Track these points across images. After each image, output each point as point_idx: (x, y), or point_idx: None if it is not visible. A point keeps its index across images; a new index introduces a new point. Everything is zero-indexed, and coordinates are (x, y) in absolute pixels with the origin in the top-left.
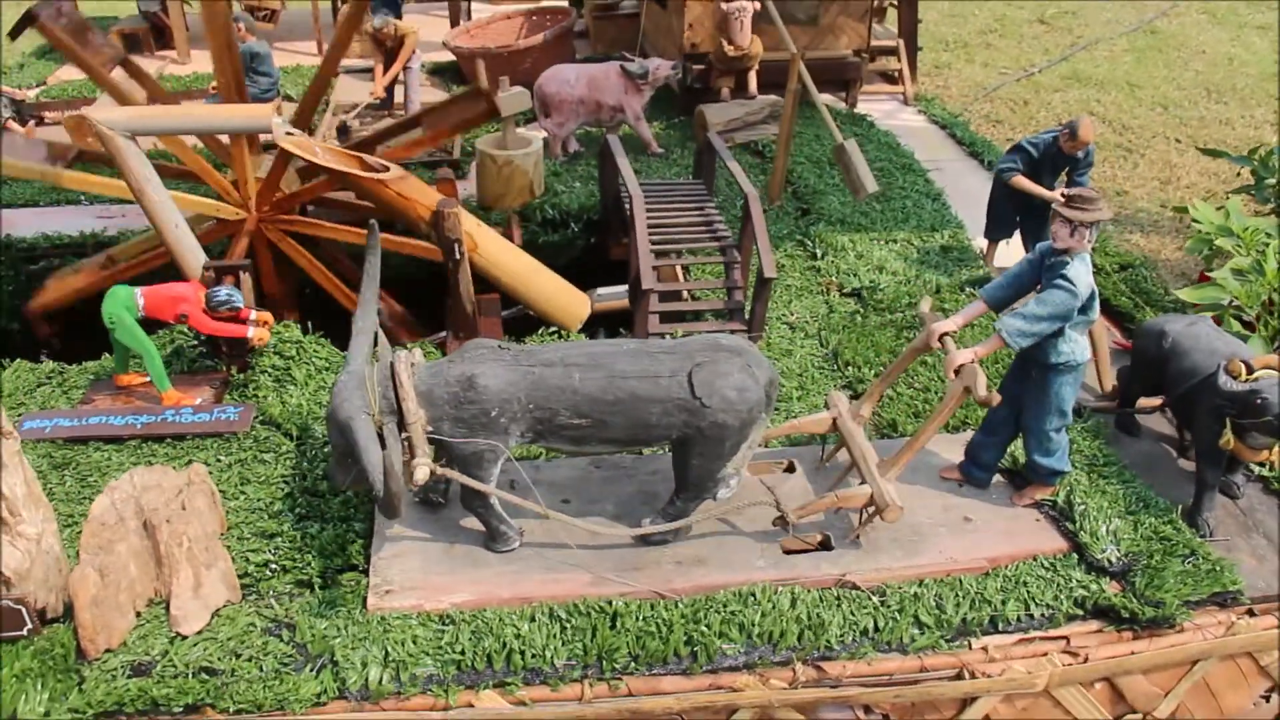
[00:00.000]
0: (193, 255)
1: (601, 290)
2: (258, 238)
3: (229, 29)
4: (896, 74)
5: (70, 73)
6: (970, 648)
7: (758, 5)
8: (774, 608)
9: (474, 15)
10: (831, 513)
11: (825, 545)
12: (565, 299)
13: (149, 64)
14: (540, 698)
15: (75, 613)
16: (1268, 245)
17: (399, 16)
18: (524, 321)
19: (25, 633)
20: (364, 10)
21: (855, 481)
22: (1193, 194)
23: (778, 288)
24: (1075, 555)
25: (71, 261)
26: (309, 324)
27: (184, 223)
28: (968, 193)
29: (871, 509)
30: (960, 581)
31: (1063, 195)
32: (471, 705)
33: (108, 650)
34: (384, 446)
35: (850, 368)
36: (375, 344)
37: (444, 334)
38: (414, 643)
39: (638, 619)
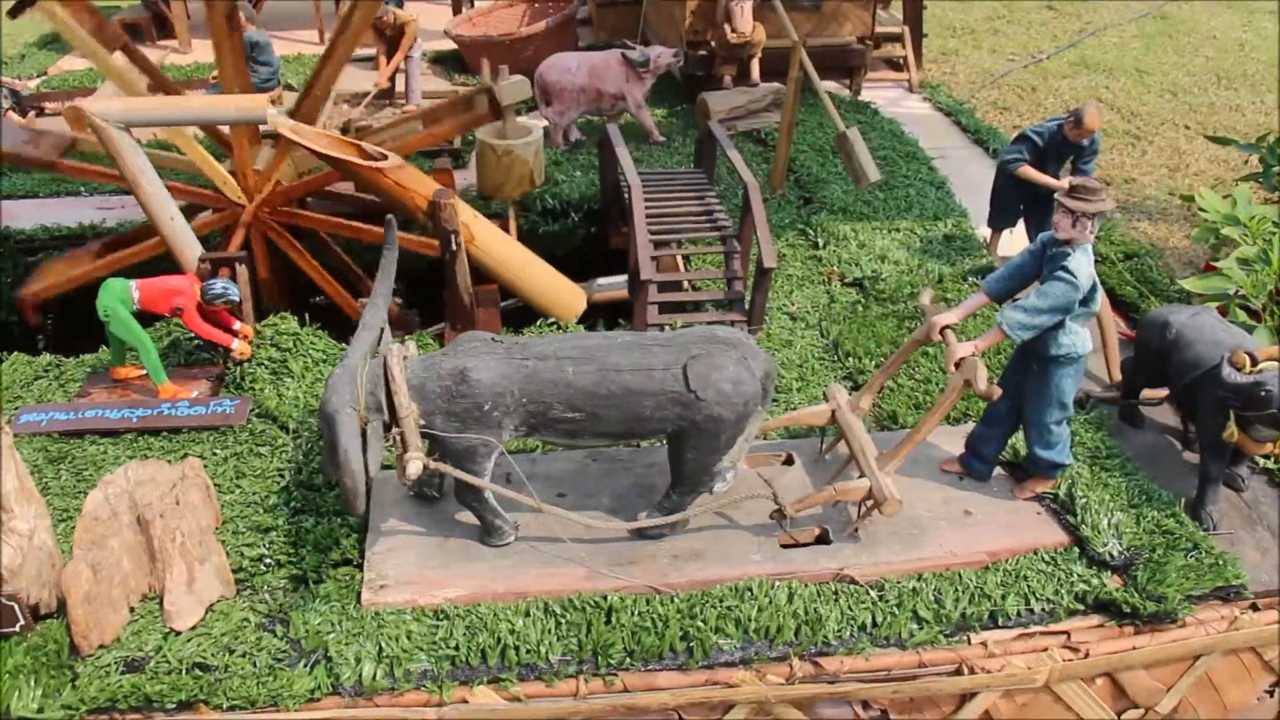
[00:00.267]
0: (189, 248)
1: (601, 280)
2: (255, 230)
3: (234, 18)
4: (901, 61)
5: (71, 63)
6: (970, 643)
7: None
8: (771, 602)
9: (476, 3)
10: (829, 506)
11: (823, 539)
12: (562, 292)
13: (150, 54)
14: (535, 693)
15: (68, 609)
16: (1275, 234)
17: (400, 5)
18: (522, 313)
19: (18, 629)
20: (376, 8)
21: (854, 474)
22: (1201, 181)
23: (779, 277)
24: (1077, 549)
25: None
26: (305, 316)
27: (180, 215)
28: (971, 180)
29: (870, 503)
30: (960, 575)
31: (1069, 184)
32: (466, 701)
33: (101, 646)
34: (365, 442)
35: (851, 359)
36: (380, 340)
37: (442, 325)
38: (408, 638)
39: (633, 614)
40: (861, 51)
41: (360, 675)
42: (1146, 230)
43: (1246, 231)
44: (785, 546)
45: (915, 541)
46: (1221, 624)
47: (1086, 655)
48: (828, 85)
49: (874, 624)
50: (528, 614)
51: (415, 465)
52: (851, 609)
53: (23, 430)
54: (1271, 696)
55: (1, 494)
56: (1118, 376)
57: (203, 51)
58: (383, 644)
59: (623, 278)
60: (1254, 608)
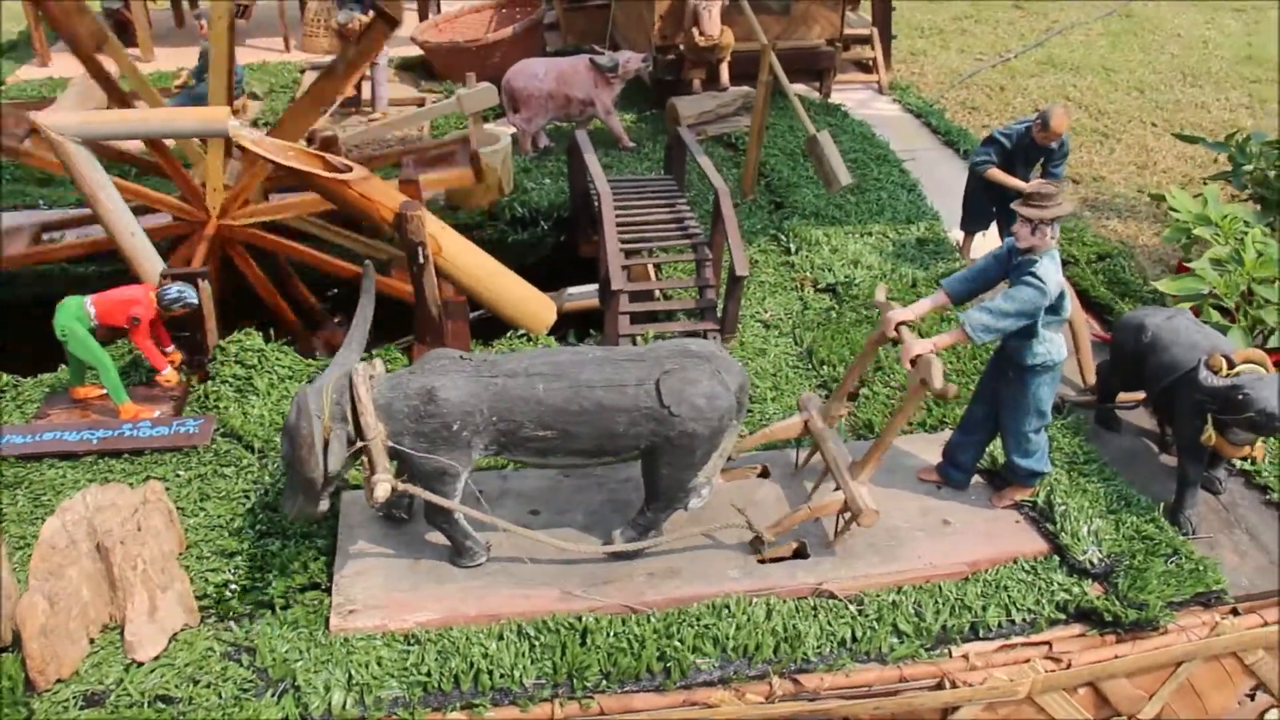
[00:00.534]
0: (149, 263)
1: (572, 290)
2: (216, 244)
3: (232, 29)
4: (871, 63)
5: (30, 72)
6: (951, 656)
7: None
8: (749, 620)
9: (443, 9)
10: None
11: (800, 553)
12: (531, 303)
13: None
14: (509, 719)
15: (23, 642)
16: (1246, 234)
17: (365, 12)
18: (492, 325)
19: None
20: (386, 37)
21: (832, 485)
22: (1169, 179)
23: (751, 284)
24: (1056, 557)
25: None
26: (270, 332)
27: (140, 230)
28: (943, 183)
29: (848, 515)
30: (940, 587)
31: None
32: None
33: (59, 681)
34: (326, 445)
35: (825, 366)
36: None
37: (410, 339)
38: (378, 664)
39: (609, 635)
40: (831, 54)
41: (330, 704)
42: (1116, 229)
43: (1218, 231)
44: (762, 562)
45: (894, 553)
46: (1203, 630)
47: (1069, 665)
48: (797, 88)
49: (854, 639)
50: (501, 637)
51: (383, 487)
52: (831, 624)
53: None
54: (1253, 700)
55: None
56: (1092, 380)
57: (165, 60)
58: (352, 671)
59: (593, 287)
60: (1234, 612)
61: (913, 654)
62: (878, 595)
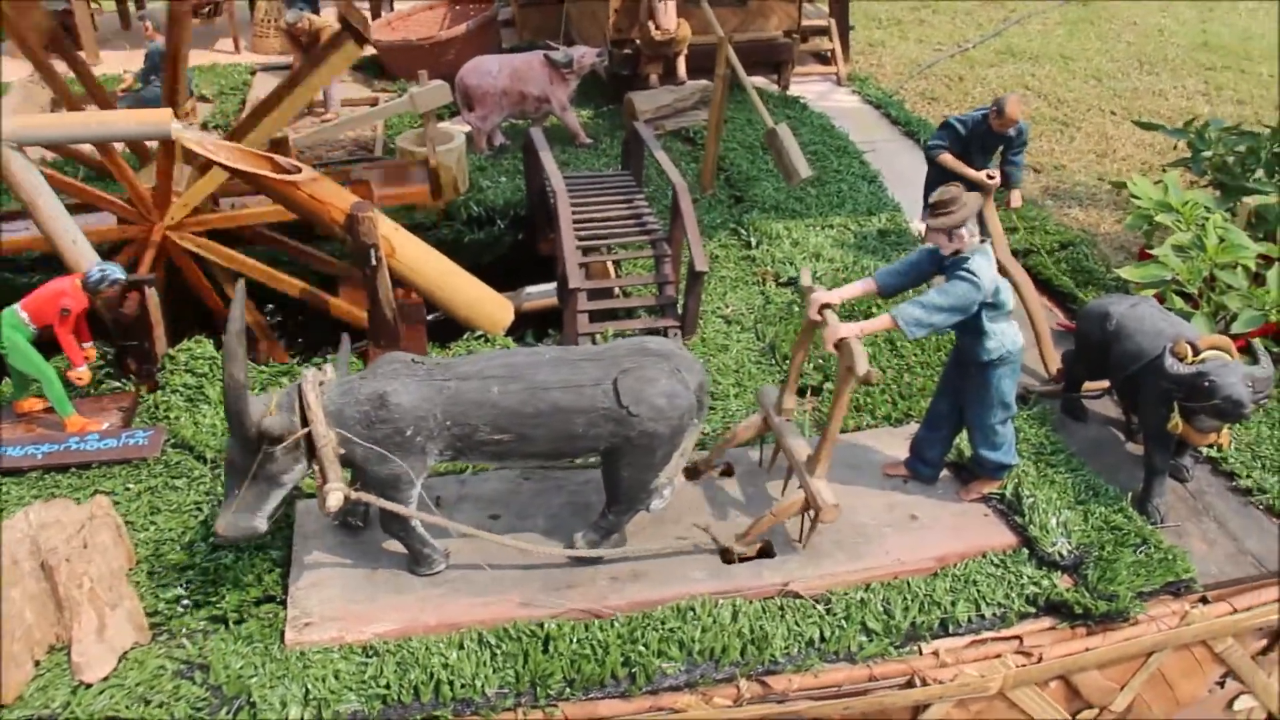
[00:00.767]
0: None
1: (530, 289)
2: (163, 251)
3: (188, 31)
4: (829, 54)
5: None
6: (920, 653)
7: None
8: (715, 622)
9: (396, 7)
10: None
11: (766, 553)
12: (488, 304)
13: (56, 65)
14: None
15: None
16: (1207, 219)
17: (316, 11)
18: (449, 327)
19: None
20: (355, 55)
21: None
22: (1129, 166)
23: (712, 280)
24: (1026, 550)
25: None
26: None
27: (82, 237)
28: (903, 173)
29: (812, 513)
30: (908, 584)
31: (987, 175)
32: None
33: (2, 707)
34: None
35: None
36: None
37: (365, 343)
38: (336, 678)
39: (571, 641)
40: (788, 45)
41: None
42: (1078, 216)
43: (1180, 218)
44: (728, 562)
45: (861, 550)
46: (1173, 619)
47: (1039, 659)
48: (755, 81)
49: (822, 639)
50: (461, 646)
51: (335, 496)
52: (798, 624)
53: None
54: (1222, 688)
55: None
56: (1054, 369)
57: (111, 63)
58: (309, 685)
59: (552, 285)
60: (1203, 600)
61: (882, 652)
62: (845, 593)
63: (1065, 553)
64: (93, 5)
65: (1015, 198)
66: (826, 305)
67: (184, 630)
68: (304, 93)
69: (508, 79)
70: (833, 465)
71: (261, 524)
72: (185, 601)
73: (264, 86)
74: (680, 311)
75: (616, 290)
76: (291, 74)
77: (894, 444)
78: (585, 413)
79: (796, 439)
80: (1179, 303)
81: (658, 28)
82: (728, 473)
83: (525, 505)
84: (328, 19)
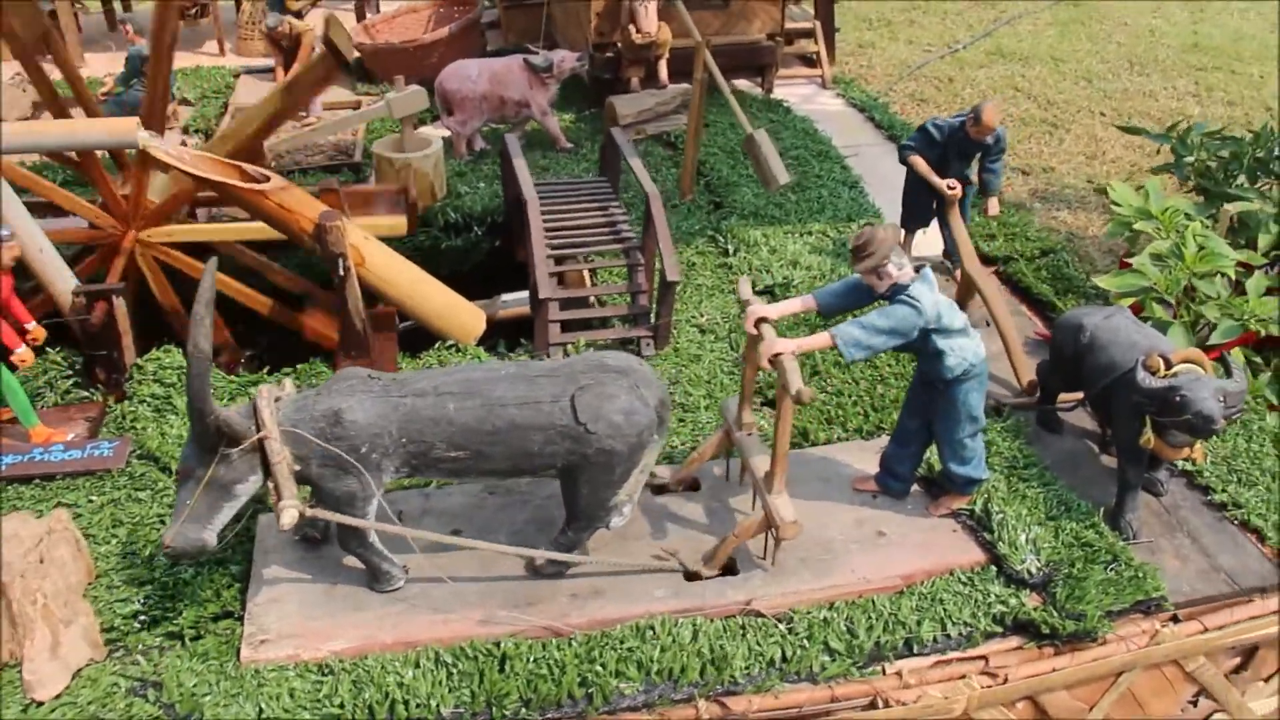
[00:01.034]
0: (61, 280)
1: (506, 296)
2: (143, 257)
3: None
4: (815, 56)
5: None
6: (884, 673)
7: None
8: (674, 641)
9: (382, 9)
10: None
11: (730, 570)
12: (461, 313)
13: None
14: None
15: None
16: (1186, 227)
17: (299, 16)
18: (420, 336)
19: None
20: (335, 77)
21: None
22: (1118, 168)
23: (688, 288)
24: (994, 567)
25: None
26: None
27: (50, 246)
28: (885, 179)
29: (773, 530)
30: (873, 602)
31: (948, 186)
32: None
33: None
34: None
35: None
36: None
37: (335, 353)
38: (290, 696)
39: (528, 660)
40: (771, 49)
41: None
42: (1066, 220)
43: (1159, 225)
44: (691, 580)
45: (827, 568)
46: (1143, 638)
47: (1005, 680)
48: (740, 84)
49: (784, 658)
50: (418, 665)
51: (290, 514)
52: (759, 644)
53: None
54: (1195, 706)
55: None
56: (1027, 380)
57: (95, 65)
58: (263, 705)
59: (527, 293)
60: (1174, 619)
61: (844, 673)
62: (809, 612)
63: (1034, 570)
64: (76, 6)
65: (993, 205)
66: (763, 320)
67: (139, 647)
68: (283, 110)
69: (487, 83)
70: (803, 479)
71: (211, 538)
72: (142, 617)
73: (247, 90)
74: (653, 321)
75: (592, 299)
76: (272, 91)
77: (865, 458)
78: (542, 430)
79: (758, 455)
80: (1159, 311)
81: (638, 31)
82: (694, 487)
83: (488, 520)
84: (309, 24)
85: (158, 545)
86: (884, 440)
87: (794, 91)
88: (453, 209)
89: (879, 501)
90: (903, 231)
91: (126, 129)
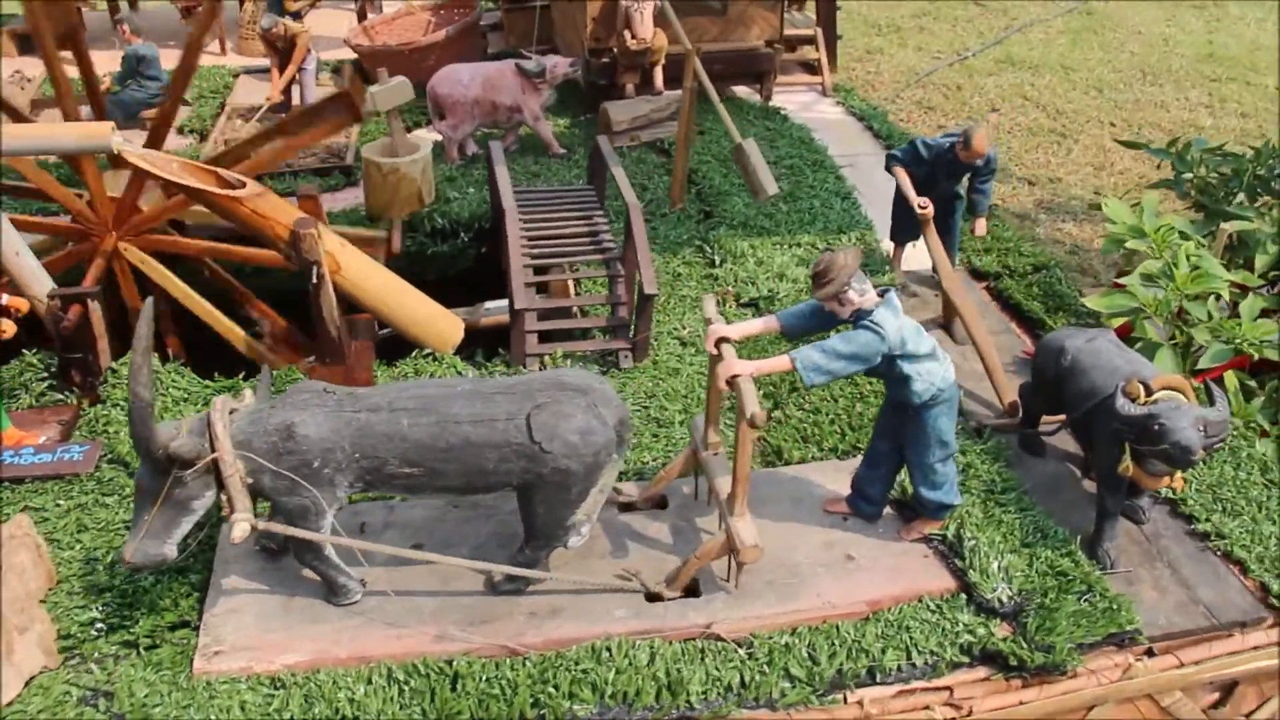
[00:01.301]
0: (37, 283)
1: (489, 304)
2: (120, 261)
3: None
4: (816, 63)
5: None
6: (845, 702)
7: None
8: (630, 664)
9: (384, 9)
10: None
11: (693, 591)
12: (438, 322)
13: (42, 65)
14: None
15: None
16: (1180, 246)
17: (297, 17)
18: (398, 343)
19: None
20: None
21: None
22: (1126, 180)
23: (672, 299)
24: (964, 595)
25: None
26: (168, 353)
27: (26, 250)
28: (880, 190)
29: (734, 553)
30: (837, 628)
31: (919, 205)
32: None
33: None
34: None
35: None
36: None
37: (312, 359)
38: (241, 709)
39: (480, 680)
40: (770, 55)
41: None
42: (1071, 232)
43: (1152, 243)
44: (652, 600)
45: (792, 591)
46: (1115, 672)
47: (970, 712)
48: (739, 91)
49: (742, 684)
50: (370, 681)
51: (241, 528)
52: (718, 669)
53: None
54: None
55: None
56: (1009, 401)
57: (100, 64)
58: (213, 717)
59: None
60: (1149, 653)
61: (803, 700)
62: (770, 637)
63: (1005, 599)
64: (83, 5)
65: (980, 226)
66: (724, 340)
67: (95, 655)
68: (283, 152)
69: (480, 88)
70: (774, 499)
71: (171, 551)
72: (99, 625)
73: (245, 90)
74: (631, 333)
75: (575, 310)
76: (280, 124)
77: (840, 478)
78: (497, 448)
79: (723, 476)
80: (1151, 333)
81: (634, 37)
82: (660, 505)
83: (450, 534)
84: (304, 25)
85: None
86: (858, 460)
87: (793, 99)
88: (440, 215)
89: (850, 524)
90: (891, 243)
91: (100, 133)
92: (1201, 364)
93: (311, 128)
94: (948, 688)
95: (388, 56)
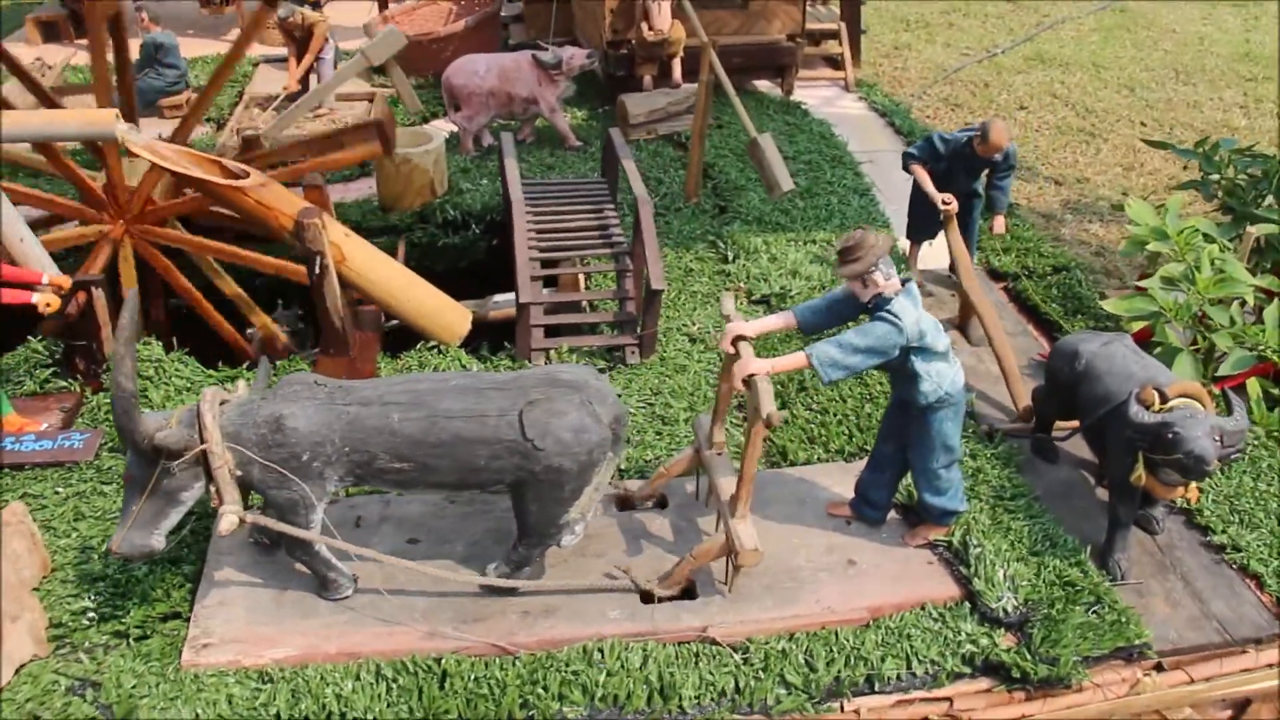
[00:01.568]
0: (42, 269)
1: (498, 297)
2: (125, 249)
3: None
4: (840, 58)
5: None
6: (841, 710)
7: None
8: (622, 666)
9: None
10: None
11: (689, 593)
12: (444, 314)
13: (65, 51)
14: None
15: None
16: (1204, 249)
17: (316, 7)
18: (404, 335)
19: None
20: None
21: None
22: (1156, 181)
23: (683, 295)
24: (968, 604)
25: None
26: (174, 340)
27: (30, 235)
28: (899, 187)
29: (732, 556)
30: (836, 634)
31: (943, 201)
32: None
33: None
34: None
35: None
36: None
37: (316, 351)
38: (228, 703)
39: (469, 679)
40: (791, 49)
41: None
42: (1098, 233)
43: (1175, 246)
44: (648, 602)
45: (791, 596)
46: (1122, 687)
47: None
48: (760, 84)
49: (736, 690)
50: (358, 677)
51: (228, 520)
52: (712, 673)
53: None
54: None
55: None
56: (1023, 406)
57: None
58: (199, 710)
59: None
60: (1158, 668)
61: (798, 708)
62: (767, 642)
63: (1010, 609)
64: None
65: (999, 224)
66: (741, 337)
67: (85, 644)
68: (310, 167)
69: (495, 79)
70: (777, 501)
71: (159, 542)
72: (91, 614)
73: (263, 79)
74: (638, 329)
75: (584, 304)
76: (308, 142)
77: (845, 481)
78: (488, 444)
79: (725, 476)
80: (1171, 337)
81: (651, 29)
82: (661, 505)
83: (447, 530)
84: (321, 14)
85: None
86: (864, 462)
87: (815, 94)
88: (452, 206)
89: (853, 529)
90: (907, 241)
91: (104, 120)
92: (1222, 371)
93: (339, 151)
94: (948, 699)
95: (407, 47)
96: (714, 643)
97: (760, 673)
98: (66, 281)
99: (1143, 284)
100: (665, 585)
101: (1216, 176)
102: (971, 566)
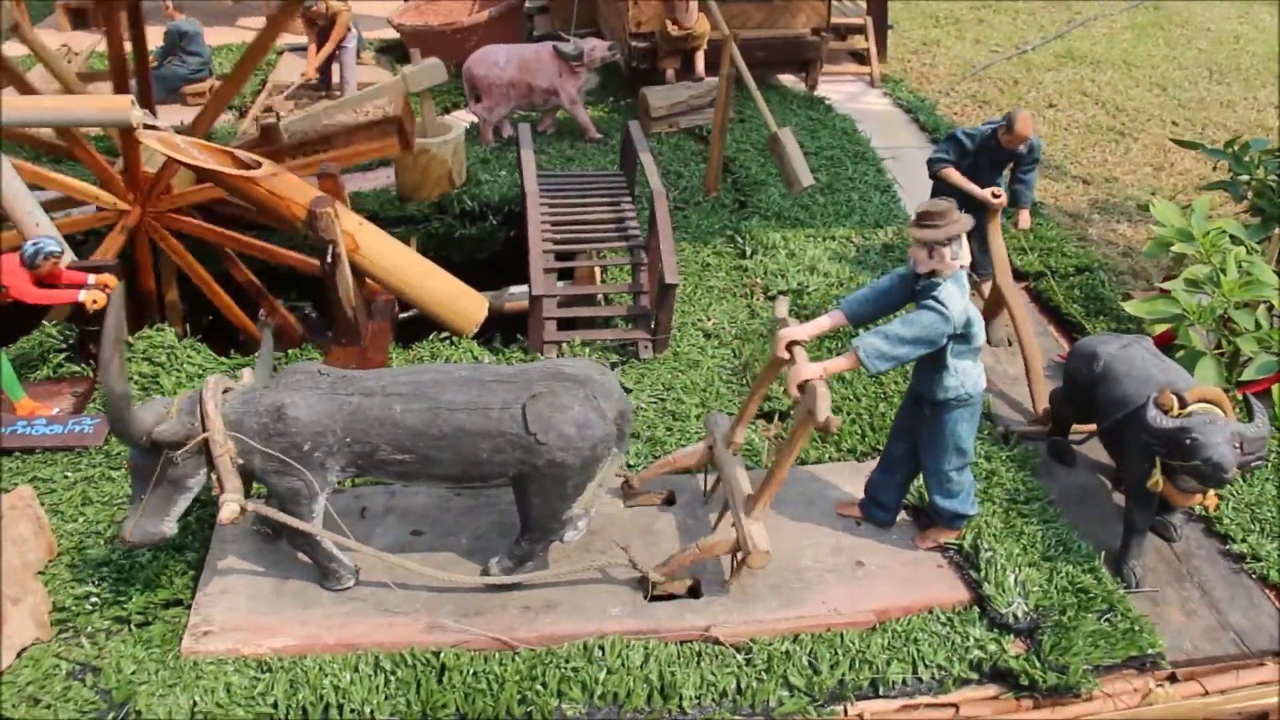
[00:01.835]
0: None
1: (514, 289)
2: (142, 235)
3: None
4: (866, 53)
5: None
6: (845, 714)
7: None
8: (622, 664)
9: None
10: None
11: (694, 592)
12: (458, 301)
13: (90, 38)
14: None
15: None
16: (1230, 251)
17: None
18: (416, 325)
19: None
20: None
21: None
22: (1187, 181)
23: (699, 289)
24: (977, 609)
25: None
26: (187, 328)
27: (46, 219)
28: (922, 183)
29: (741, 554)
30: (841, 637)
31: (993, 194)
32: None
33: None
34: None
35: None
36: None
37: (329, 339)
38: (226, 692)
39: (467, 673)
40: (816, 44)
41: None
42: (1125, 233)
43: (1200, 248)
44: (652, 598)
45: (797, 597)
46: (1133, 697)
47: None
48: (784, 79)
49: (738, 691)
50: (356, 669)
51: (229, 509)
52: (714, 673)
53: None
54: None
55: None
56: (1043, 408)
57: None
58: (197, 698)
59: None
60: (1172, 679)
61: (801, 711)
62: (770, 643)
63: (1020, 615)
64: None
65: (1024, 218)
66: (795, 342)
67: (87, 629)
68: (337, 159)
69: (516, 70)
70: (785, 500)
71: (170, 529)
72: (94, 599)
73: (287, 68)
74: (652, 323)
75: (599, 297)
76: (325, 135)
77: (856, 481)
78: (491, 437)
79: (740, 474)
80: (1195, 341)
81: (675, 22)
82: (669, 501)
83: (451, 523)
84: (345, 4)
85: (120, 524)
86: (875, 462)
87: (840, 89)
88: (470, 197)
89: (862, 529)
90: None
91: (119, 107)
92: (1246, 375)
93: (354, 145)
94: (954, 705)
95: (429, 36)
96: (717, 642)
97: (763, 674)
98: (113, 281)
99: (1166, 286)
100: (663, 571)
101: (1246, 177)
102: (982, 571)
